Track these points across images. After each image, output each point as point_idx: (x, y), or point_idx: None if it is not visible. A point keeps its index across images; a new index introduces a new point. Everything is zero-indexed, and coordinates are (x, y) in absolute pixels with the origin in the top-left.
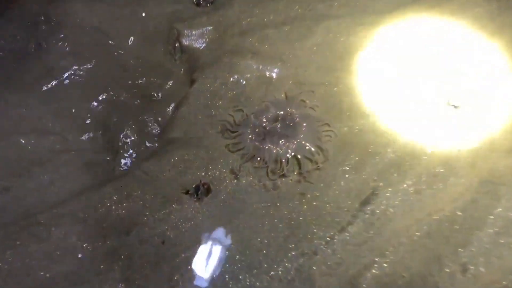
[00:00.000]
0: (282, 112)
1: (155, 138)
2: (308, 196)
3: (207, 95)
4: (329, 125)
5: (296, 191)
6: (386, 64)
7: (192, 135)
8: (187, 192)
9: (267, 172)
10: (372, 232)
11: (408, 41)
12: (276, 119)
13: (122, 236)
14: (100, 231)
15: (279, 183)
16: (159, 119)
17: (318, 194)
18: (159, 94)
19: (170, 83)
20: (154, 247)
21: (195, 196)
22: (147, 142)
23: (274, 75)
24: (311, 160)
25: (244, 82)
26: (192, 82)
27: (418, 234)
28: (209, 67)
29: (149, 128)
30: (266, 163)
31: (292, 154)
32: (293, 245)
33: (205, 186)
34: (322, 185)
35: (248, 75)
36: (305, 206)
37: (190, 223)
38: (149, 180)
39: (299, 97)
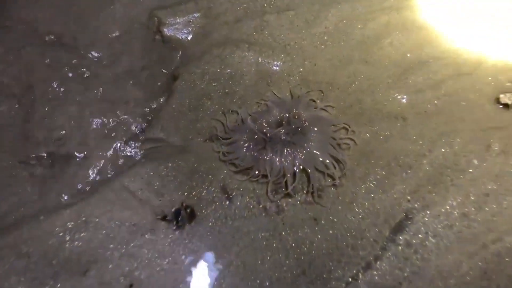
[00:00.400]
0: (287, 114)
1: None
2: (322, 222)
3: (193, 95)
4: (347, 130)
5: (307, 216)
6: (412, 53)
7: (173, 143)
8: (164, 218)
9: (267, 191)
10: (408, 270)
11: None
12: (279, 123)
13: (76, 276)
14: (48, 270)
15: (284, 205)
16: (137, 125)
17: (335, 220)
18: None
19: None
20: None
21: (174, 223)
22: (120, 149)
23: (276, 69)
24: (324, 175)
25: (239, 79)
26: (174, 78)
27: (471, 273)
28: (196, 61)
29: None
30: (267, 178)
31: (301, 167)
32: None
33: (188, 210)
34: (339, 207)
35: (244, 70)
36: (318, 236)
37: (166, 260)
38: (116, 201)
39: (308, 96)
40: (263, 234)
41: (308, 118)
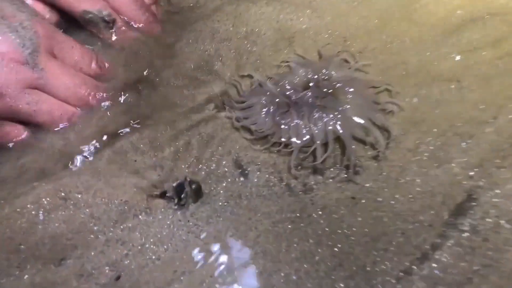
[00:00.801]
0: (315, 76)
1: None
2: (363, 201)
3: (199, 55)
4: (390, 92)
5: (343, 195)
6: (463, 9)
7: (173, 102)
8: (163, 195)
9: (291, 165)
10: (478, 262)
11: None
12: (306, 84)
13: (49, 265)
14: (14, 256)
15: (313, 182)
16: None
17: (380, 200)
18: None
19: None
20: (102, 286)
21: (175, 200)
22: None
23: (300, 28)
24: (365, 144)
25: (256, 38)
26: (177, 38)
27: None
28: (203, 19)
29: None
30: (290, 148)
31: (333, 134)
32: (342, 285)
33: (193, 186)
34: (384, 185)
35: (262, 28)
36: (359, 219)
37: (165, 247)
38: (103, 173)
39: (340, 55)
40: (287, 215)
41: (341, 79)
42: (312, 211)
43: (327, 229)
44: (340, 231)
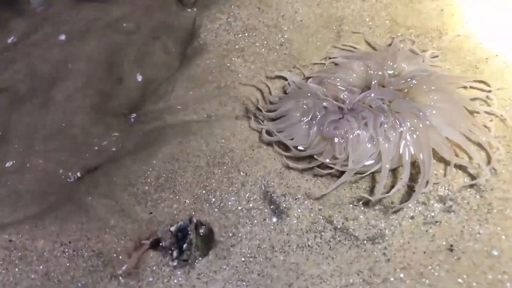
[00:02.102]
0: (377, 71)
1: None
2: (467, 255)
3: (217, 49)
4: (488, 95)
5: (433, 245)
6: None
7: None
8: (155, 244)
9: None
10: None
11: None
12: (364, 83)
13: None
14: None
15: (383, 224)
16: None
17: (495, 254)
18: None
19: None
20: None
21: (174, 254)
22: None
23: (349, 11)
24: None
25: (289, 25)
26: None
27: None
28: (220, 3)
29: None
30: (346, 171)
31: (413, 151)
32: None
33: (201, 230)
34: (499, 229)
35: (297, 13)
36: (463, 285)
37: None
38: (75, 212)
39: (406, 44)
40: (350, 279)
41: (414, 75)
42: (388, 271)
43: None
44: None
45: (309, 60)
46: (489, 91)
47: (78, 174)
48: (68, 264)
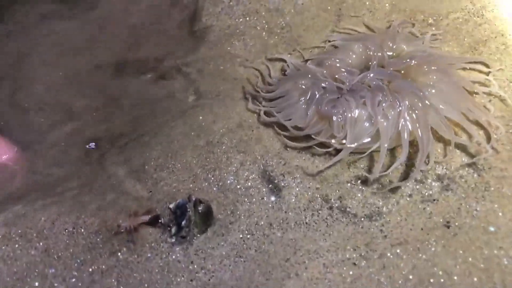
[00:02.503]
0: (376, 52)
1: None
2: (464, 232)
3: (218, 33)
4: (487, 76)
5: (430, 222)
6: None
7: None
8: (153, 221)
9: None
10: None
11: None
12: (363, 64)
13: None
14: None
15: (381, 202)
16: None
17: (492, 230)
18: None
19: None
20: None
21: (173, 230)
22: None
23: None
24: (455, 148)
25: (290, 8)
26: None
27: None
28: None
29: None
30: (344, 150)
31: (412, 130)
32: None
33: (200, 208)
34: (496, 206)
35: None
36: (460, 261)
37: None
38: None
39: (406, 26)
40: (346, 254)
41: (413, 55)
42: (385, 247)
43: (411, 277)
44: (433, 280)
45: (309, 44)
46: (489, 72)
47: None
48: (67, 241)
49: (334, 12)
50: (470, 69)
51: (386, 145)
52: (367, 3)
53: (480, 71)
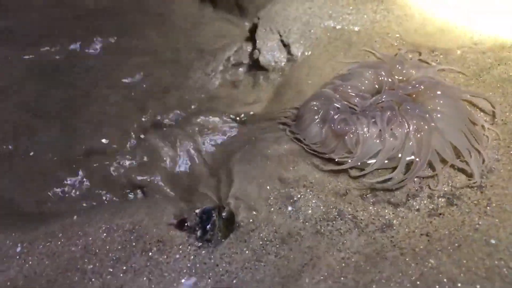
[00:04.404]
0: (386, 78)
1: None
2: (468, 244)
3: None
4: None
5: (437, 234)
6: None
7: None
8: (181, 224)
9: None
10: None
11: None
12: (375, 85)
13: None
14: None
15: (392, 214)
16: None
17: (493, 242)
18: None
19: None
20: None
21: (198, 233)
22: None
23: (356, 29)
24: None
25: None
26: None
27: None
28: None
29: None
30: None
31: (416, 150)
32: None
33: (223, 215)
34: (497, 221)
35: (313, 26)
36: (463, 269)
37: None
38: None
39: (415, 55)
40: (358, 262)
41: (422, 81)
42: (395, 255)
43: (418, 283)
44: (438, 287)
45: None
46: (492, 112)
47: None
48: (104, 238)
49: (347, 42)
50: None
51: (386, 161)
52: (376, 39)
53: (481, 109)
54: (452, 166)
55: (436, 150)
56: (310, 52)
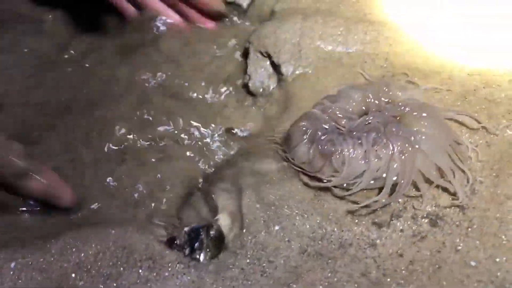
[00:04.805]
0: (373, 100)
1: None
2: (449, 265)
3: None
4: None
5: (419, 255)
6: None
7: None
8: (170, 242)
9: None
10: None
11: None
12: (363, 107)
13: None
14: None
15: (375, 235)
16: None
17: (473, 264)
18: None
19: None
20: None
21: (186, 251)
22: None
23: (346, 50)
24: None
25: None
26: None
27: None
28: None
29: None
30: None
31: (400, 171)
32: None
33: (212, 232)
34: (477, 243)
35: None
36: (439, 285)
37: None
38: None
39: (403, 78)
40: (342, 284)
41: (411, 102)
42: (377, 277)
43: None
44: None
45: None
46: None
47: None
48: (95, 255)
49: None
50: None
51: (372, 182)
52: (367, 60)
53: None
54: (437, 186)
55: (420, 171)
56: (300, 71)
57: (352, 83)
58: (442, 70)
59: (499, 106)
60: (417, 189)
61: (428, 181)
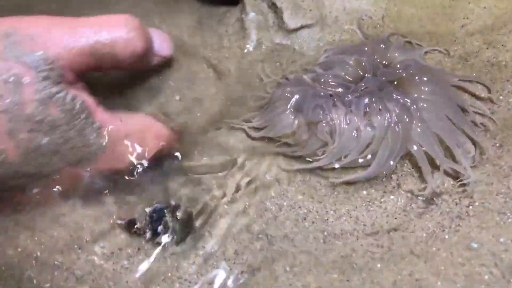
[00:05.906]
0: (370, 63)
1: None
2: (442, 245)
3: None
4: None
5: (415, 234)
6: None
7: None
8: (129, 226)
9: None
10: None
11: None
12: (359, 72)
13: None
14: None
15: (367, 217)
16: None
17: (475, 246)
18: None
19: None
20: None
21: (148, 234)
22: None
23: (333, 14)
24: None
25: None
26: None
27: None
28: None
29: None
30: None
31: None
32: None
33: (178, 213)
34: (478, 222)
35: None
36: (442, 268)
37: None
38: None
39: (400, 38)
40: (333, 276)
41: (409, 65)
42: (365, 261)
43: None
44: None
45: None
46: (488, 97)
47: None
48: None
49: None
50: (462, 88)
51: (361, 156)
52: (363, 17)
53: (473, 94)
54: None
55: (420, 145)
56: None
57: (345, 46)
58: (442, 30)
59: (501, 71)
60: (414, 165)
61: (429, 157)
